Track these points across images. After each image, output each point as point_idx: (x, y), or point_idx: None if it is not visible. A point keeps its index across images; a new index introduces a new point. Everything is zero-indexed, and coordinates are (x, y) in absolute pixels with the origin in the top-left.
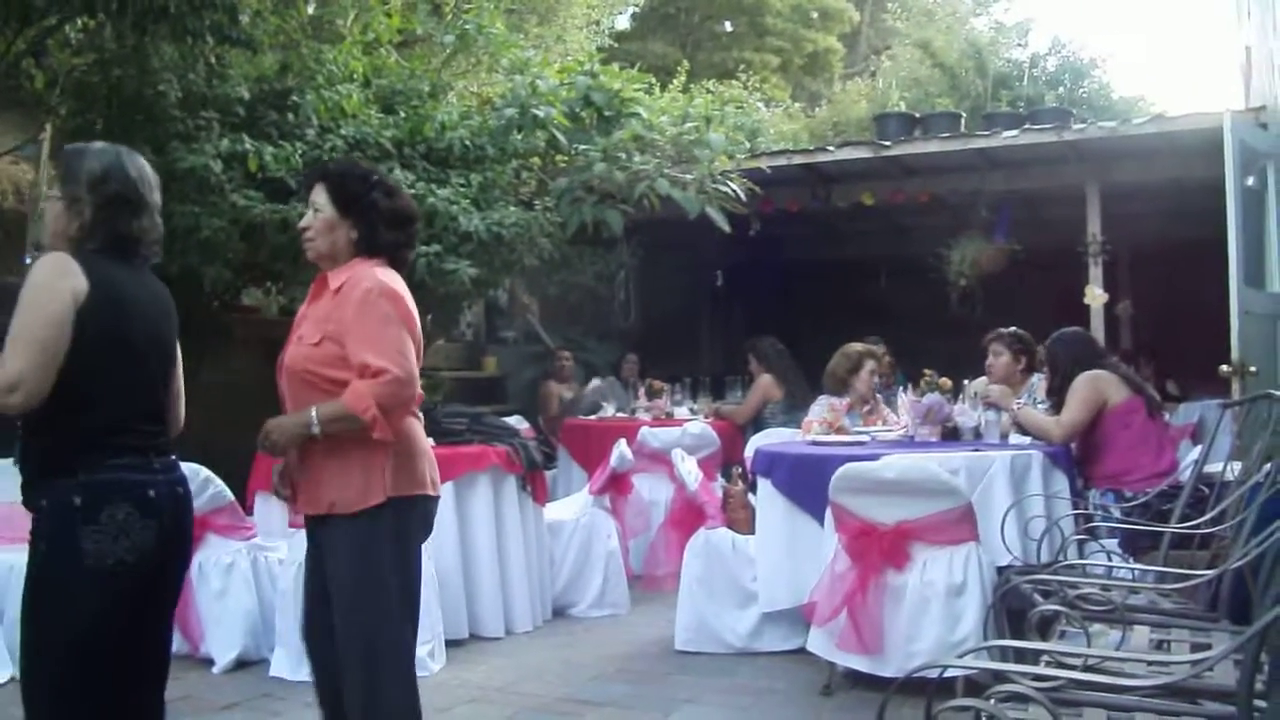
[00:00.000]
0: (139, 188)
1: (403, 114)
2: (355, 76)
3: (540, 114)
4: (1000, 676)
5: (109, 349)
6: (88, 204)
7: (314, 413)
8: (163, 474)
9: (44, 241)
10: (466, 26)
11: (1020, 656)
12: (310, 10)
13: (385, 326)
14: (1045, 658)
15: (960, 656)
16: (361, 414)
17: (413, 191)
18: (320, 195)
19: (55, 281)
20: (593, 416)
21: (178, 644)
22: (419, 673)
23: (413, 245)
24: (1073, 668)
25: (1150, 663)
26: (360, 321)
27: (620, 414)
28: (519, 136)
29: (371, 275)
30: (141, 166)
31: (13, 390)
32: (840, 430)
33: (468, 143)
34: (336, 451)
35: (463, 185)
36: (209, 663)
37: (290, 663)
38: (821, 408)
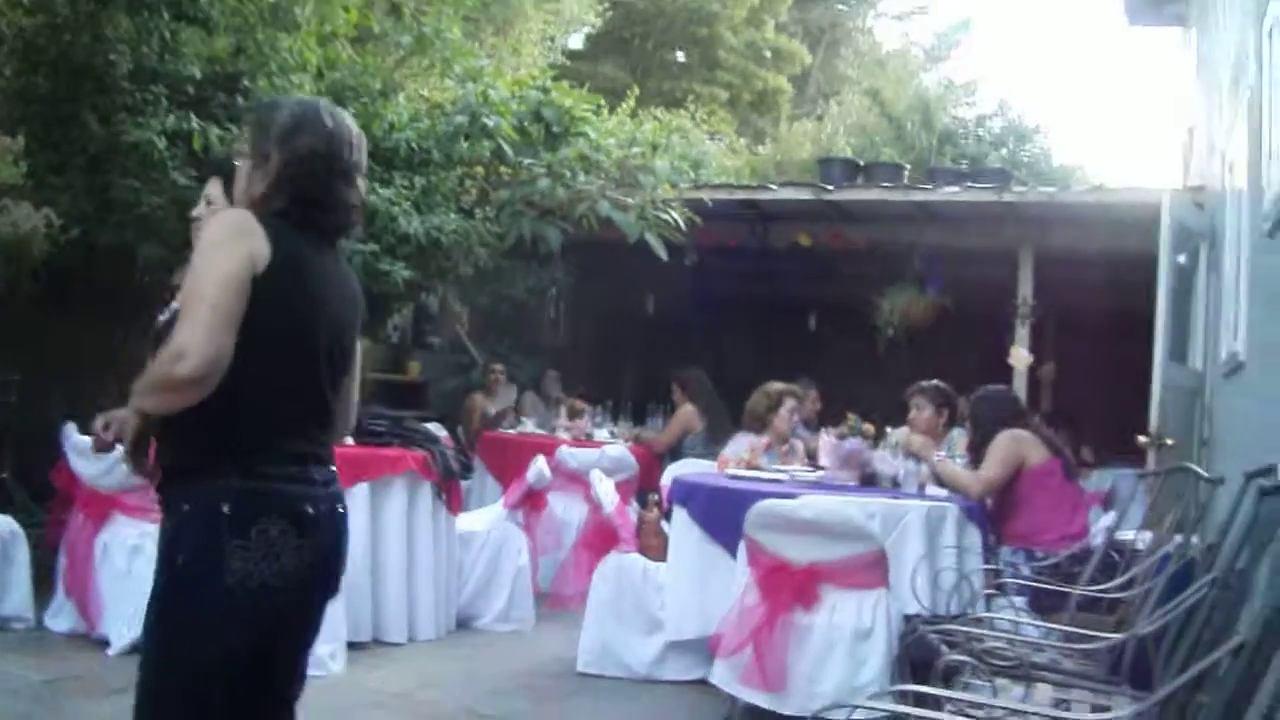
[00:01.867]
0: (337, 145)
1: (352, 110)
2: (308, 67)
3: (489, 123)
4: None
5: (285, 333)
6: (276, 161)
7: None
8: (323, 488)
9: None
10: (424, 29)
11: (923, 704)
12: None
13: None
14: (950, 706)
15: (870, 697)
16: None
17: None
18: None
19: (231, 240)
20: (512, 431)
21: (73, 622)
22: (318, 672)
23: None
24: (976, 718)
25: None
26: None
27: (540, 430)
28: (466, 144)
29: None
30: (343, 122)
31: (180, 357)
32: (756, 468)
33: (414, 145)
34: None
35: (405, 187)
36: (104, 644)
37: None
38: (739, 445)
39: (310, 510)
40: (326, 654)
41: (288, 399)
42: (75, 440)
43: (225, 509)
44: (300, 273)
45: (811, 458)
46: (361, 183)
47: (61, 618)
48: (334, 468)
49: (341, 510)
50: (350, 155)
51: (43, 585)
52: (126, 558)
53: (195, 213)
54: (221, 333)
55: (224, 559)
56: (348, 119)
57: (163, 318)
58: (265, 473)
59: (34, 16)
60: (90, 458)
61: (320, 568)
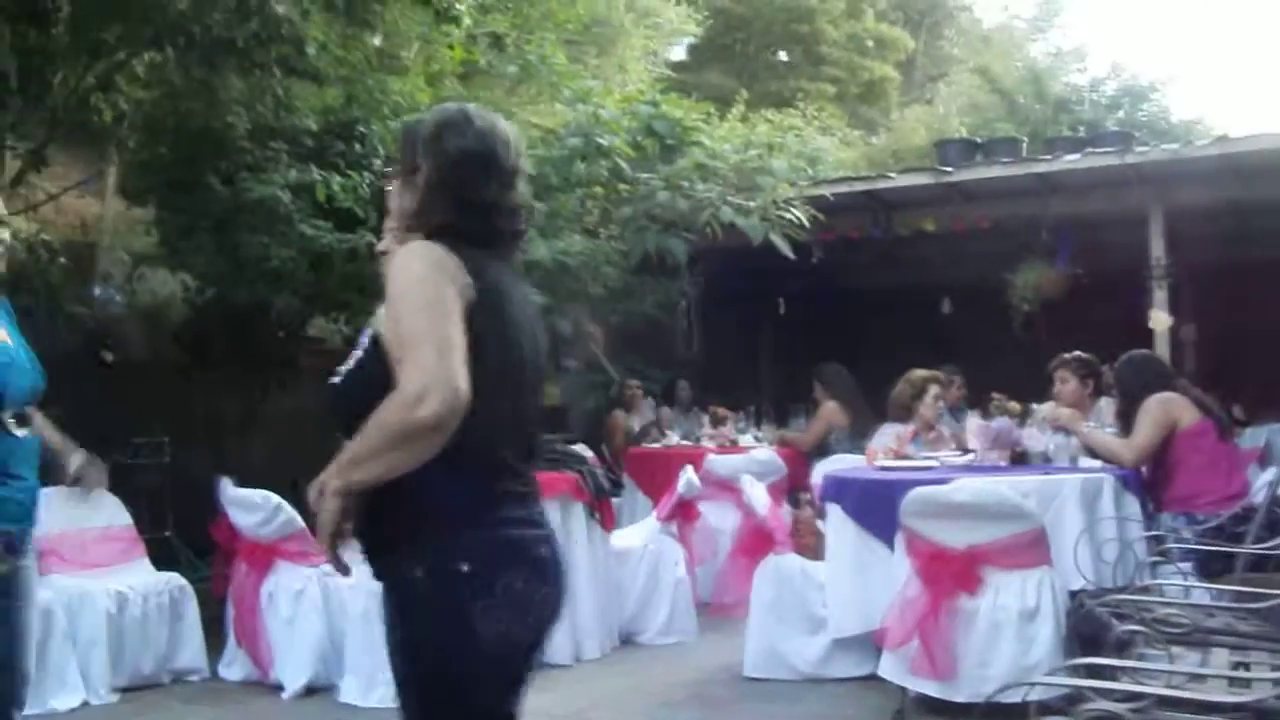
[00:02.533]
0: (490, 142)
1: None
2: (420, 107)
3: (604, 143)
4: (1079, 698)
5: (499, 365)
6: (427, 169)
7: None
8: (547, 527)
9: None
10: (528, 57)
11: (1099, 677)
12: (375, 43)
13: None
14: (1126, 678)
15: (1047, 674)
16: None
17: None
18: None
19: (433, 274)
20: (657, 445)
21: (247, 670)
22: None
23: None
24: (1155, 688)
25: (1232, 682)
26: None
27: (685, 441)
28: (583, 165)
29: None
30: (496, 121)
31: (420, 400)
32: (905, 457)
33: (532, 172)
34: None
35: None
36: (279, 689)
37: (360, 688)
38: (886, 435)
39: (545, 553)
40: None
41: (507, 437)
42: (231, 494)
43: (464, 568)
44: (503, 298)
45: (960, 444)
46: (523, 187)
47: (235, 667)
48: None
49: (560, 545)
50: (508, 155)
51: (214, 637)
52: (291, 603)
53: (381, 247)
54: (459, 366)
55: (473, 622)
56: (501, 120)
57: (336, 379)
58: (497, 519)
59: (151, 90)
60: (249, 509)
61: (559, 612)
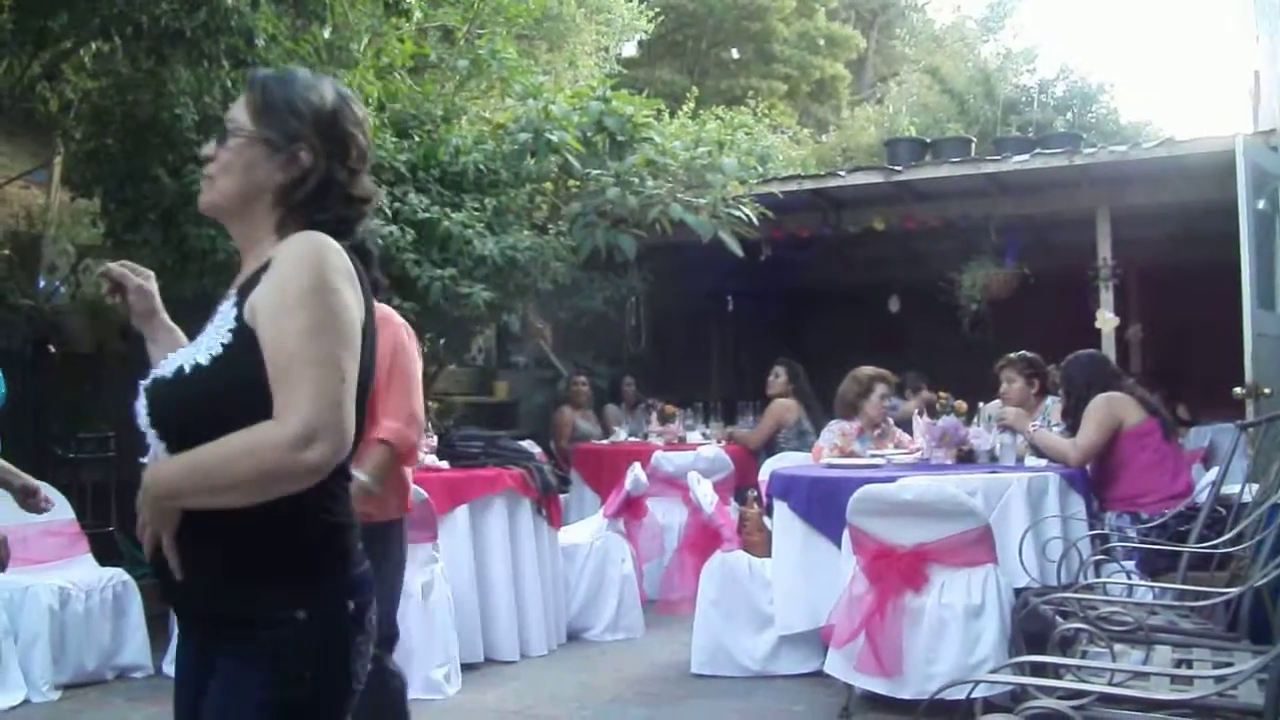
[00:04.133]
0: (368, 136)
1: (417, 138)
2: (369, 101)
3: (554, 138)
4: (1023, 695)
5: (364, 384)
6: (317, 152)
7: None
8: None
9: (216, 198)
10: (479, 52)
11: (1042, 674)
12: (325, 35)
13: None
14: (1069, 675)
15: (991, 673)
16: None
17: (428, 215)
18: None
19: (340, 284)
20: (605, 441)
21: None
22: (435, 696)
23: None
24: (1098, 685)
25: (1175, 680)
26: None
27: (631, 438)
28: (532, 161)
29: None
30: (357, 103)
31: (308, 442)
32: (850, 454)
33: (481, 167)
34: None
35: (477, 209)
36: None
37: None
38: (832, 433)
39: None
40: (441, 676)
41: (349, 460)
42: None
43: (350, 606)
44: (371, 302)
45: (904, 442)
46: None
47: None
48: None
49: None
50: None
51: (158, 633)
52: None
53: (208, 199)
54: (351, 407)
55: (351, 663)
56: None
57: (180, 368)
58: (358, 551)
59: (98, 80)
60: None
61: None
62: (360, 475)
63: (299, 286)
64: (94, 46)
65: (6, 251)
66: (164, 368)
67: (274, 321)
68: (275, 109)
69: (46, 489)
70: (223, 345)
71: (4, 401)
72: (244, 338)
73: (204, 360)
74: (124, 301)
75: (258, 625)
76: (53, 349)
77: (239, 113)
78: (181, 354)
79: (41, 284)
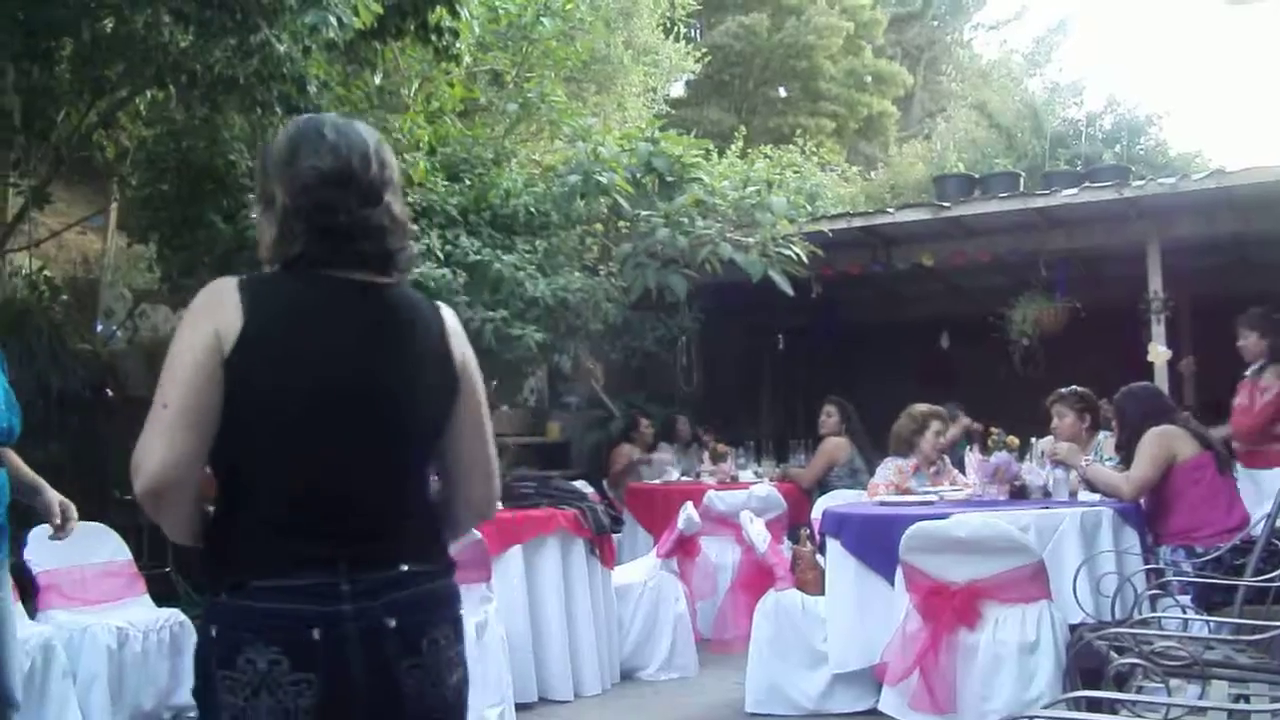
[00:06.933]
0: (346, 158)
1: (468, 181)
2: (421, 145)
3: (603, 180)
4: None
5: (267, 412)
6: (280, 196)
7: None
8: (352, 601)
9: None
10: (528, 95)
11: (1097, 710)
12: (376, 81)
13: None
14: (1125, 711)
15: (1045, 707)
16: None
17: (479, 257)
18: None
19: (193, 322)
20: (657, 480)
21: None
22: None
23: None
24: None
25: (1232, 715)
26: None
27: (684, 478)
28: (582, 203)
29: None
30: (353, 133)
31: (135, 471)
32: (906, 492)
33: (532, 209)
34: None
35: (528, 251)
36: None
37: None
38: (888, 470)
39: (319, 635)
40: (495, 716)
41: (288, 494)
42: None
43: (213, 632)
44: (279, 333)
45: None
46: (392, 200)
47: None
48: (410, 568)
49: (394, 625)
50: (368, 169)
51: None
52: None
53: None
54: (175, 434)
55: (216, 692)
56: (360, 128)
57: None
58: (255, 588)
59: (153, 127)
60: None
61: (349, 704)
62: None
63: None
64: (149, 95)
65: (65, 296)
66: None
67: None
68: (259, 173)
69: (103, 529)
70: None
71: (14, 436)
72: None
73: None
74: None
75: None
76: (110, 392)
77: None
78: None
79: (99, 328)
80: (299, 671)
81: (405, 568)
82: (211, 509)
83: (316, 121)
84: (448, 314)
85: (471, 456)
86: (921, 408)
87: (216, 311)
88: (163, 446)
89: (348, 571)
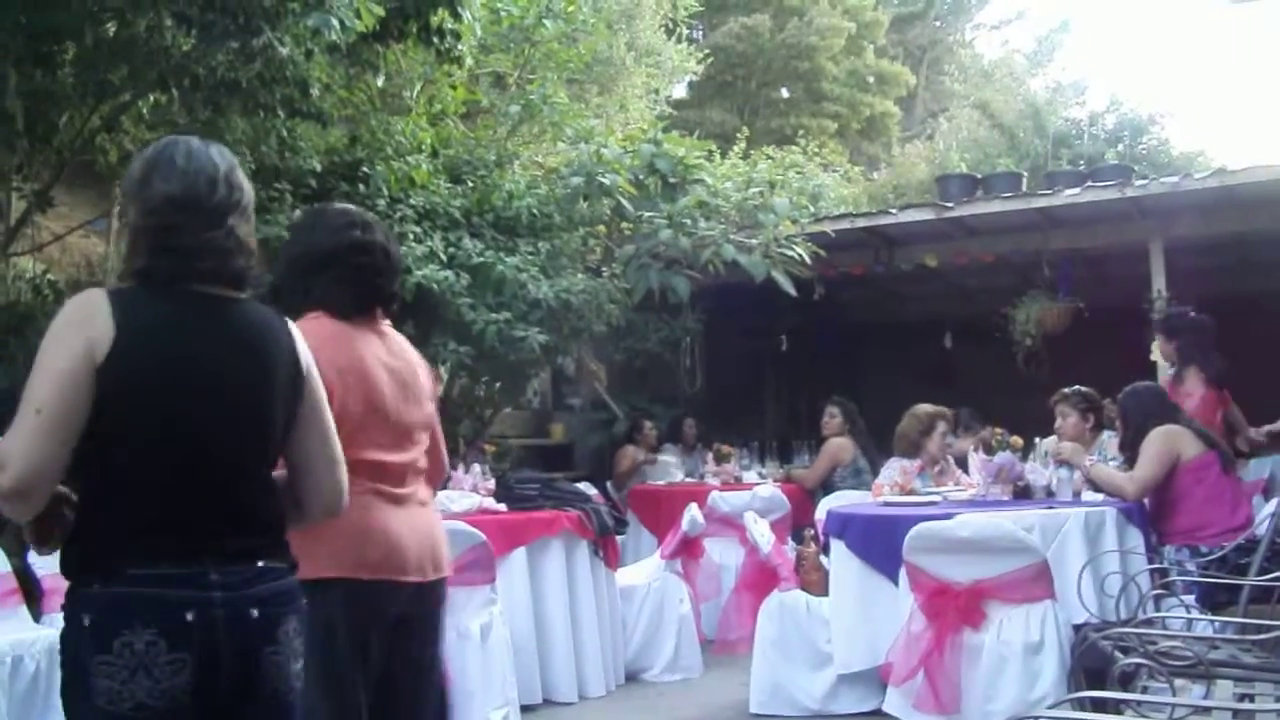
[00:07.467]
0: (193, 183)
1: (470, 183)
2: (423, 147)
3: (606, 181)
4: None
5: (138, 417)
6: (133, 216)
7: None
8: (221, 590)
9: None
10: (531, 97)
11: (1102, 709)
12: (378, 83)
13: None
14: (1130, 711)
15: (1050, 708)
16: None
17: (482, 259)
18: None
19: (64, 332)
20: (661, 482)
21: None
22: None
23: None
24: None
25: (1237, 715)
26: None
27: (688, 479)
28: (585, 204)
29: None
30: (204, 157)
31: (1, 469)
32: (911, 492)
33: (535, 211)
34: None
35: (531, 253)
36: None
37: None
38: (892, 470)
39: (190, 617)
40: (500, 718)
41: (161, 491)
42: None
43: (86, 620)
44: (148, 344)
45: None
46: (236, 223)
47: None
48: (263, 564)
49: (257, 614)
50: (214, 193)
51: None
52: None
53: None
54: (45, 439)
55: (90, 677)
56: (214, 152)
57: None
58: (131, 575)
59: (156, 131)
60: None
61: (215, 683)
62: None
63: None
64: (152, 98)
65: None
66: None
67: None
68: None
69: None
70: None
71: None
72: None
73: None
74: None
75: None
76: None
77: None
78: None
79: None
80: (175, 652)
81: (262, 563)
82: (69, 512)
83: (173, 147)
84: (293, 326)
85: (317, 452)
86: (926, 408)
87: (88, 324)
88: (34, 449)
89: (215, 564)
